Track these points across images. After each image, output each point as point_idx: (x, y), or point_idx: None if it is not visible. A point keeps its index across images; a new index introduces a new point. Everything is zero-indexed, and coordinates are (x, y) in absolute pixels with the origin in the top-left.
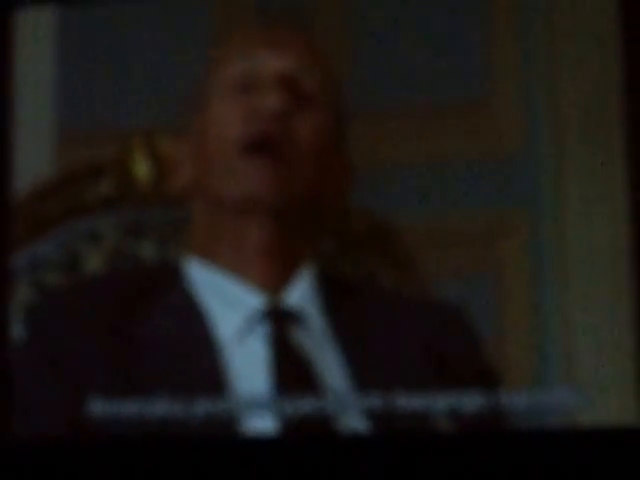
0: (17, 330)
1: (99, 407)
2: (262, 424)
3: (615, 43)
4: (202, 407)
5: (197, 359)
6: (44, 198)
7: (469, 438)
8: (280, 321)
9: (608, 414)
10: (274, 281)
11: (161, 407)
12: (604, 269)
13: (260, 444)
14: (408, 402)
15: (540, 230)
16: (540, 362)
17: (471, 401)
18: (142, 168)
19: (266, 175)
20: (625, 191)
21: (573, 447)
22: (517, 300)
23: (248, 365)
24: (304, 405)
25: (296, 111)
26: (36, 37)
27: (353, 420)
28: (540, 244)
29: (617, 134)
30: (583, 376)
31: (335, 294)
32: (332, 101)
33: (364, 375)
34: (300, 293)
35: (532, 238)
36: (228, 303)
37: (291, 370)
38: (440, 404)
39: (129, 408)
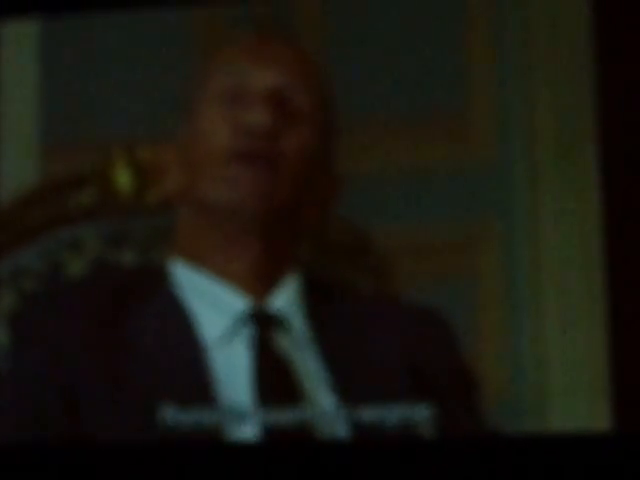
0: (1, 336)
1: (87, 411)
2: (244, 431)
3: (590, 54)
4: (186, 413)
5: (182, 362)
6: (27, 207)
7: (448, 444)
8: (264, 325)
9: (580, 420)
10: (259, 285)
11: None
12: (577, 278)
13: (242, 450)
14: (389, 409)
15: (514, 240)
16: (513, 369)
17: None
18: (123, 178)
19: (253, 182)
20: (598, 201)
21: (546, 452)
22: (491, 309)
23: (231, 368)
24: (286, 413)
25: (283, 127)
26: (21, 48)
27: (333, 426)
28: (514, 254)
29: (590, 146)
30: (556, 382)
31: (318, 300)
32: (321, 116)
33: (345, 381)
34: (285, 298)
35: (506, 248)
36: (213, 306)
37: (273, 374)
38: (420, 411)
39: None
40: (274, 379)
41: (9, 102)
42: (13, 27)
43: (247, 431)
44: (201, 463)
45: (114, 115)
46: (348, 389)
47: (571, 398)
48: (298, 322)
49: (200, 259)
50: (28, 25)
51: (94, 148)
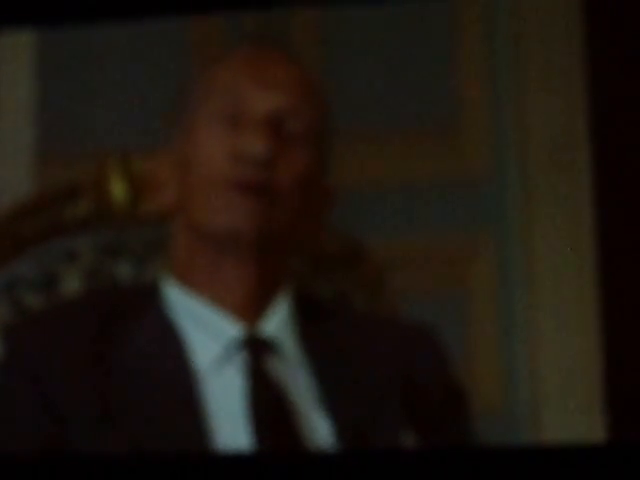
0: None
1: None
2: (236, 441)
3: (582, 67)
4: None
5: (174, 387)
6: (22, 218)
7: (437, 455)
8: (257, 351)
9: (574, 432)
10: (251, 309)
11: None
12: (571, 289)
13: (233, 461)
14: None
15: (508, 251)
16: (507, 382)
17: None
18: (119, 189)
19: (249, 213)
20: (590, 213)
21: (540, 464)
22: (485, 320)
23: (225, 394)
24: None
25: (281, 153)
26: (16, 59)
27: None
28: (508, 265)
29: (583, 157)
30: (550, 395)
31: (311, 319)
32: (319, 137)
33: (337, 401)
34: (277, 321)
35: (500, 259)
36: (205, 330)
37: (267, 400)
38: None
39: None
40: (268, 404)
41: (4, 113)
42: (9, 37)
43: (238, 441)
44: (191, 474)
45: (109, 126)
46: (342, 410)
47: (565, 410)
48: (291, 344)
49: (192, 281)
50: (24, 35)
51: (89, 159)
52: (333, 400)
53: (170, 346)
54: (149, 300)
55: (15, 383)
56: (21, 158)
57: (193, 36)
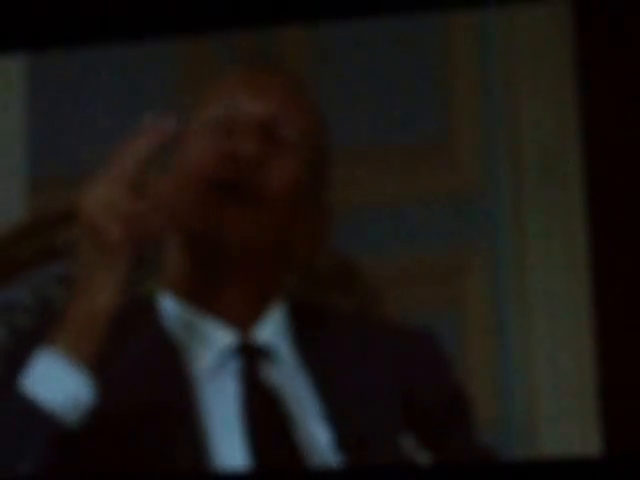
0: None
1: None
2: (233, 458)
3: (574, 83)
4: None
5: (171, 396)
6: (16, 242)
7: (441, 470)
8: (251, 357)
9: (570, 445)
10: (246, 316)
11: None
12: (564, 303)
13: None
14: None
15: (501, 266)
16: (503, 396)
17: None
18: None
19: (237, 214)
20: (583, 227)
21: (535, 479)
22: (479, 336)
23: (220, 402)
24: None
25: (269, 158)
26: (6, 85)
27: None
28: (501, 280)
29: (575, 172)
30: (545, 409)
31: (306, 327)
32: (311, 148)
33: (336, 408)
34: (271, 328)
35: (494, 274)
36: (200, 339)
37: (262, 407)
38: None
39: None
40: (264, 412)
41: None
42: None
43: (234, 452)
44: None
45: (102, 150)
46: (339, 417)
47: (560, 424)
48: (286, 351)
49: (187, 291)
50: (14, 60)
51: (82, 183)
52: (332, 407)
53: (166, 356)
54: (145, 312)
55: (9, 399)
56: (14, 183)
57: (181, 60)
